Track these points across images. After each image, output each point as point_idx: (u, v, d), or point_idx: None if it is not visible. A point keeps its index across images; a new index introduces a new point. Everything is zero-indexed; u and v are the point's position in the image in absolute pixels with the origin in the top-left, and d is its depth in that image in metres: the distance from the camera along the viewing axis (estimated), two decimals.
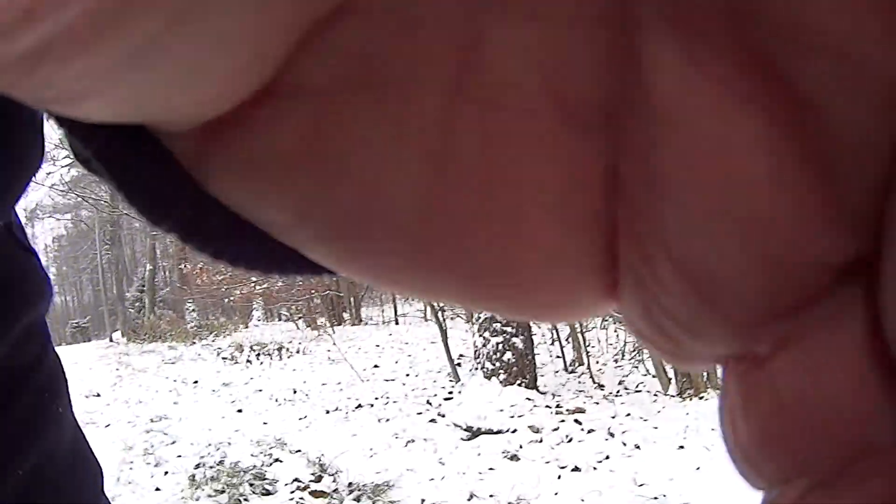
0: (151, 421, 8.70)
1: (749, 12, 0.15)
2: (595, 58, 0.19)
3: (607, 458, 5.52)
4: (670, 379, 7.26)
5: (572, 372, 8.43)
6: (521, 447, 6.00)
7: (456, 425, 6.78)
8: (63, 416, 0.79)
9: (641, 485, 4.85)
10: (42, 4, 0.15)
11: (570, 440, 6.01)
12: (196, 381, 11.48)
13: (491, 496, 5.09)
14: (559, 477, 5.28)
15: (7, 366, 0.70)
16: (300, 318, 16.83)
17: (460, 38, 0.20)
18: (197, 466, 6.49)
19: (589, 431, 6.13)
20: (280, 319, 20.54)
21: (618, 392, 7.54)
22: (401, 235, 0.22)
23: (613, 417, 6.42)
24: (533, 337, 8.23)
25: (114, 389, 11.55)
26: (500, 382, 7.53)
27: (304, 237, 0.24)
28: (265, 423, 7.94)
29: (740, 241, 0.17)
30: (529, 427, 6.38)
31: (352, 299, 19.01)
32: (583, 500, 4.77)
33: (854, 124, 0.15)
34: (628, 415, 6.45)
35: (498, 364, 7.73)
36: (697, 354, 0.20)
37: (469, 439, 6.41)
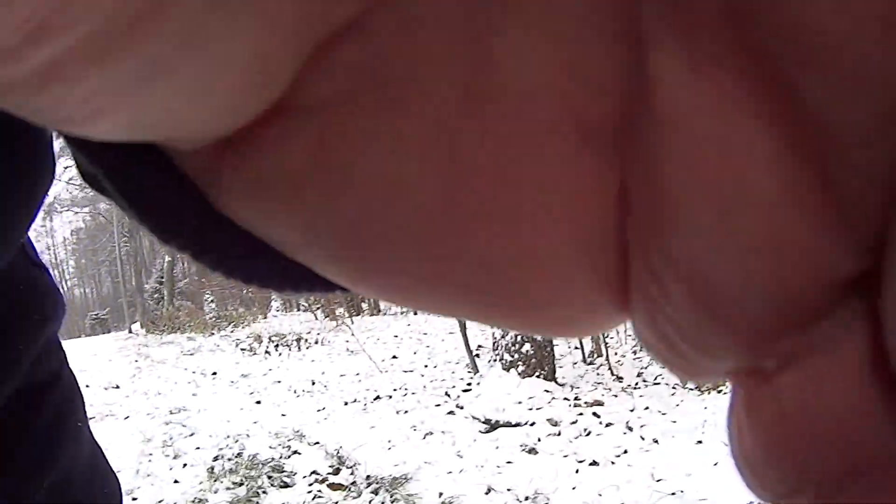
0: (170, 413, 8.75)
1: (749, 13, 0.15)
2: (608, 77, 0.19)
3: (625, 452, 5.50)
4: None
5: (591, 363, 8.42)
6: (539, 440, 5.99)
7: (474, 418, 6.77)
8: (81, 432, 0.78)
9: (659, 480, 4.83)
10: (49, 25, 0.15)
11: (588, 434, 6.00)
12: (215, 373, 11.54)
13: (509, 490, 5.07)
14: (577, 471, 5.26)
15: (27, 383, 0.70)
16: (319, 308, 16.79)
17: (469, 53, 0.20)
18: (215, 459, 6.52)
19: (607, 425, 6.11)
20: (299, 310, 20.53)
21: (636, 384, 7.52)
22: (411, 252, 0.22)
23: (632, 411, 6.39)
24: None
25: (133, 381, 11.64)
26: (519, 374, 7.52)
27: (315, 255, 0.24)
28: (283, 415, 7.96)
29: (745, 256, 0.17)
30: (548, 420, 6.37)
31: None
32: (600, 495, 4.75)
33: (855, 130, 0.14)
34: (647, 408, 6.44)
35: (517, 355, 7.71)
36: (706, 369, 0.20)
37: (487, 432, 6.40)
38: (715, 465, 4.80)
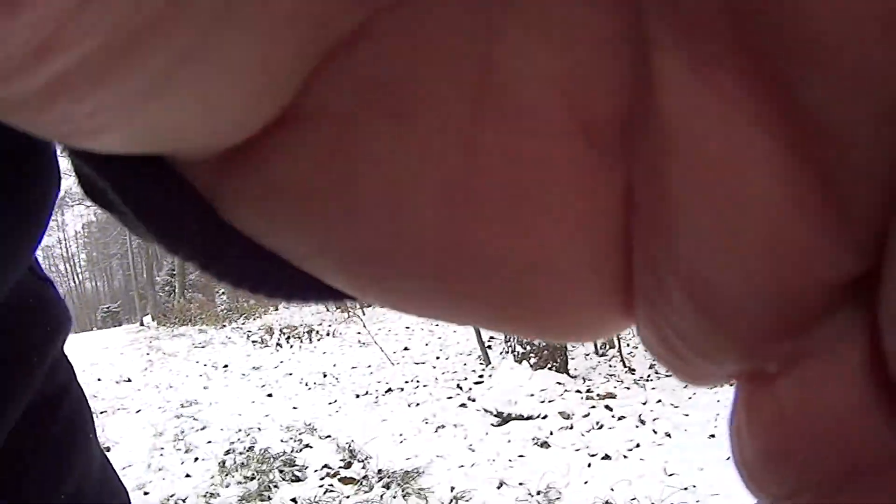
0: (182, 406, 8.76)
1: (749, 13, 0.15)
2: (612, 78, 0.19)
3: (638, 445, 5.50)
4: None
5: (603, 355, 8.41)
6: (551, 433, 5.98)
7: (486, 411, 6.76)
8: (91, 444, 0.78)
9: (671, 474, 4.82)
10: (54, 42, 0.15)
11: (600, 427, 5.99)
12: (226, 366, 11.54)
13: (520, 484, 5.07)
14: (589, 465, 5.25)
15: (40, 396, 0.70)
16: None
17: (473, 58, 0.20)
18: (227, 452, 6.52)
19: (619, 418, 6.11)
20: None
21: (648, 377, 7.51)
22: (422, 262, 0.22)
23: (644, 404, 6.39)
24: None
25: (144, 374, 11.67)
26: (531, 366, 7.52)
27: (324, 265, 0.24)
28: (295, 408, 7.96)
29: (746, 256, 0.17)
30: (560, 413, 6.37)
31: None
32: (612, 490, 4.74)
33: (855, 131, 0.15)
34: (659, 401, 6.43)
35: (528, 347, 7.70)
36: (707, 372, 0.20)
37: (499, 425, 6.40)
38: (727, 459, 4.62)
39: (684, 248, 0.18)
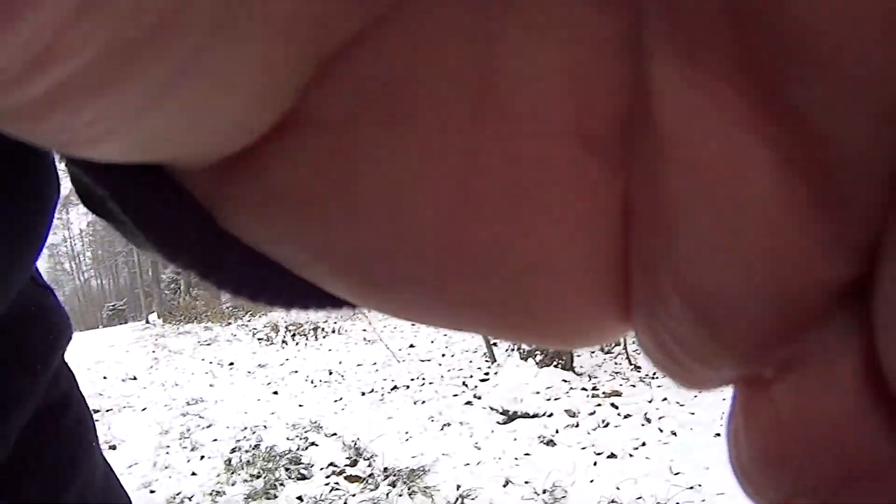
0: (187, 404, 8.77)
1: (748, 14, 0.15)
2: (611, 80, 0.19)
3: (643, 444, 5.48)
4: None
5: (608, 352, 8.38)
6: (557, 432, 5.97)
7: (492, 408, 6.75)
8: (94, 452, 0.79)
9: (677, 473, 4.80)
10: (52, 51, 0.15)
11: (606, 425, 5.98)
12: (232, 363, 11.54)
13: (526, 482, 5.06)
14: (595, 463, 5.23)
15: (43, 405, 0.70)
16: None
17: (473, 62, 0.20)
18: (233, 451, 6.52)
19: (625, 416, 6.09)
20: None
21: (654, 374, 7.47)
22: (422, 263, 0.22)
23: (650, 402, 6.37)
24: None
25: (150, 372, 11.69)
26: (537, 363, 7.50)
27: (323, 272, 0.24)
28: (301, 406, 7.96)
29: (745, 265, 0.17)
30: (566, 411, 6.35)
31: None
32: (618, 489, 4.73)
33: (855, 132, 0.15)
34: (665, 399, 6.40)
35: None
36: (705, 378, 0.21)
37: (505, 423, 6.38)
38: None
39: (682, 253, 0.18)
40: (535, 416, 6.41)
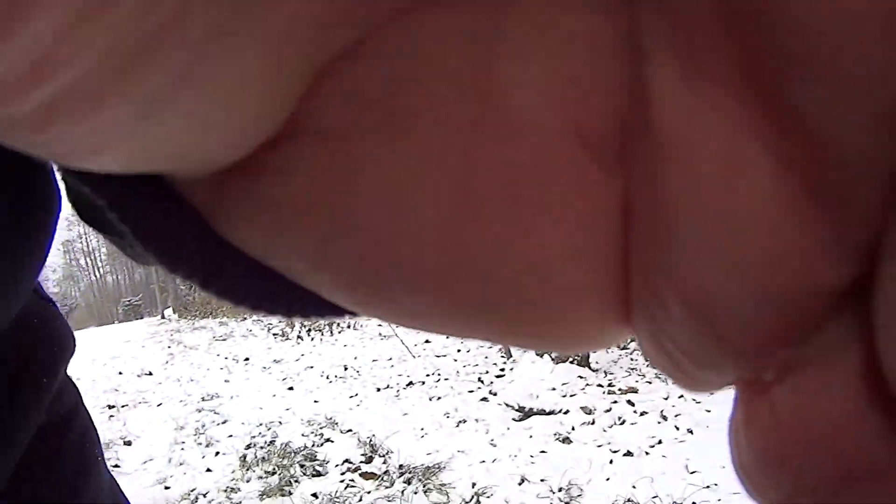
0: (203, 399, 8.82)
1: (747, 14, 0.15)
2: (608, 86, 0.19)
3: (660, 442, 5.46)
4: None
5: (624, 348, 8.36)
6: (573, 429, 5.96)
7: (507, 405, 6.74)
8: (100, 466, 0.78)
9: (693, 472, 4.78)
10: (49, 62, 0.15)
11: (622, 422, 5.96)
12: (247, 359, 11.60)
13: (542, 480, 5.05)
14: (611, 461, 5.22)
15: (49, 419, 0.70)
16: None
17: (478, 62, 0.20)
18: (248, 447, 6.55)
19: (641, 414, 6.07)
20: None
21: None
22: (423, 273, 0.22)
23: (666, 399, 6.35)
24: None
25: (165, 368, 11.78)
26: (552, 359, 7.49)
27: (322, 280, 0.23)
28: (316, 402, 7.99)
29: (743, 268, 0.17)
30: (581, 408, 6.35)
31: None
32: (634, 487, 4.71)
33: (854, 133, 0.15)
34: (681, 396, 6.38)
35: None
36: (706, 381, 0.21)
37: (521, 420, 6.38)
38: None
39: (681, 255, 0.18)
40: (550, 412, 6.40)
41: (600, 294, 0.22)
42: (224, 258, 0.24)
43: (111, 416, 8.52)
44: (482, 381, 7.83)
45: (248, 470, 5.95)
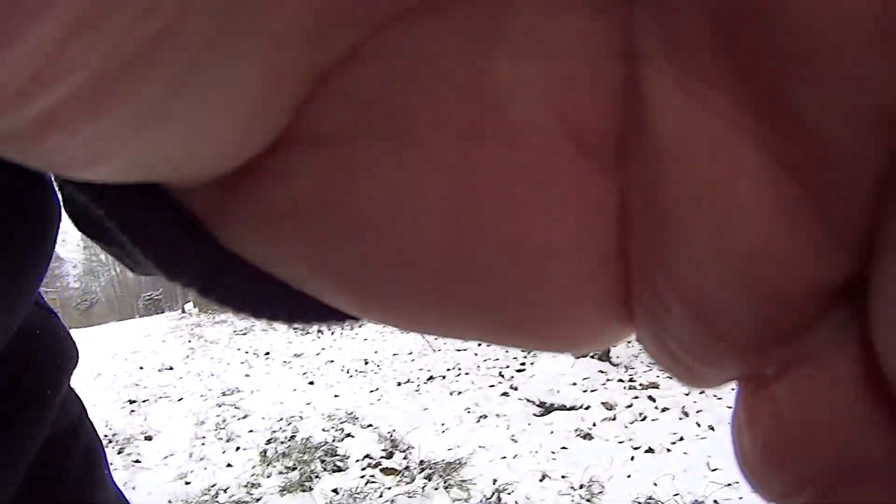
0: (223, 394, 8.81)
1: (746, 13, 0.15)
2: (605, 92, 0.20)
3: (681, 439, 5.42)
4: None
5: None
6: (594, 425, 5.93)
7: (528, 400, 6.72)
8: (106, 478, 0.78)
9: (715, 469, 4.75)
10: (44, 75, 0.15)
11: (643, 418, 5.94)
12: (268, 353, 11.58)
13: (563, 477, 5.03)
14: (632, 458, 5.19)
15: (54, 432, 0.69)
16: None
17: (476, 65, 0.20)
18: (268, 442, 6.54)
19: (663, 410, 6.04)
20: None
21: None
22: (424, 276, 0.22)
23: (687, 394, 6.31)
24: None
25: (186, 362, 11.79)
26: (573, 354, 7.45)
27: (324, 287, 0.24)
28: (336, 396, 7.96)
29: (739, 269, 0.18)
30: (602, 403, 6.33)
31: None
32: (655, 485, 4.69)
33: (851, 134, 0.15)
34: (702, 392, 6.33)
35: None
36: (708, 377, 0.21)
37: (542, 415, 6.36)
38: None
39: (680, 258, 0.18)
40: (571, 408, 6.38)
41: (600, 294, 0.22)
42: (224, 265, 0.24)
43: (132, 410, 8.53)
44: (503, 376, 7.80)
45: (268, 465, 5.93)
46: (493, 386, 7.47)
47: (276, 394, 8.45)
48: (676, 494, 4.49)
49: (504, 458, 5.49)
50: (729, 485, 4.47)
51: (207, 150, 0.20)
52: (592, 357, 7.43)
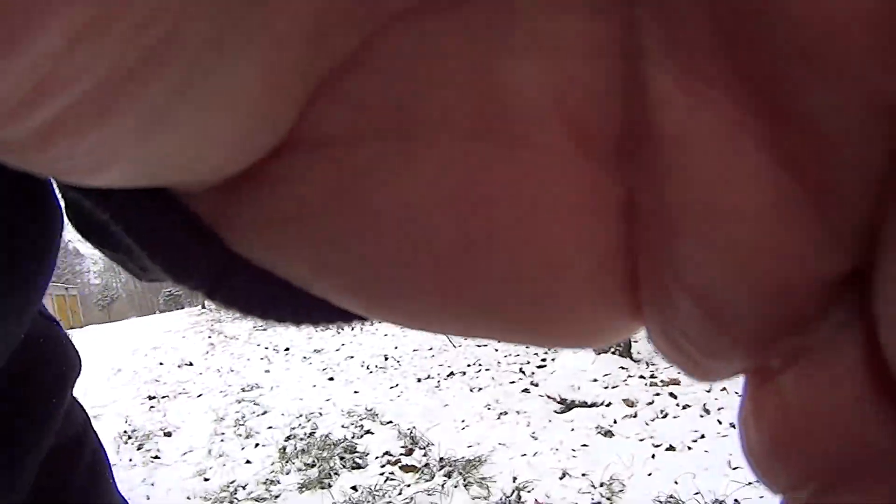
0: (243, 390, 8.86)
1: (747, 13, 0.15)
2: (607, 91, 0.20)
3: (702, 437, 5.39)
4: None
5: None
6: (615, 422, 5.91)
7: (549, 397, 6.70)
8: (111, 489, 0.77)
9: (736, 468, 4.71)
10: (48, 84, 0.15)
11: (665, 416, 5.91)
12: (287, 349, 11.63)
13: (584, 475, 5.00)
14: (653, 456, 5.17)
15: (59, 442, 0.68)
16: None
17: (479, 66, 0.20)
18: (288, 438, 6.55)
19: (684, 407, 6.01)
20: None
21: None
22: (433, 276, 0.22)
23: (709, 391, 6.29)
24: None
25: (206, 358, 11.87)
26: (594, 350, 7.44)
27: (331, 288, 0.24)
28: (356, 392, 7.97)
29: (743, 266, 0.18)
30: (624, 400, 6.31)
31: None
32: (676, 483, 4.66)
33: (852, 126, 0.15)
34: (723, 389, 6.31)
35: None
36: (716, 370, 0.21)
37: (562, 412, 6.34)
38: None
39: (686, 254, 0.18)
40: (592, 405, 6.36)
41: (604, 291, 0.22)
42: (230, 267, 0.24)
43: (152, 406, 8.58)
44: (523, 372, 7.79)
45: (287, 462, 5.94)
46: (513, 382, 7.46)
47: (296, 390, 8.48)
48: (697, 493, 4.46)
49: (524, 455, 5.47)
50: (750, 483, 4.43)
51: (211, 153, 0.20)
52: (613, 353, 7.42)
